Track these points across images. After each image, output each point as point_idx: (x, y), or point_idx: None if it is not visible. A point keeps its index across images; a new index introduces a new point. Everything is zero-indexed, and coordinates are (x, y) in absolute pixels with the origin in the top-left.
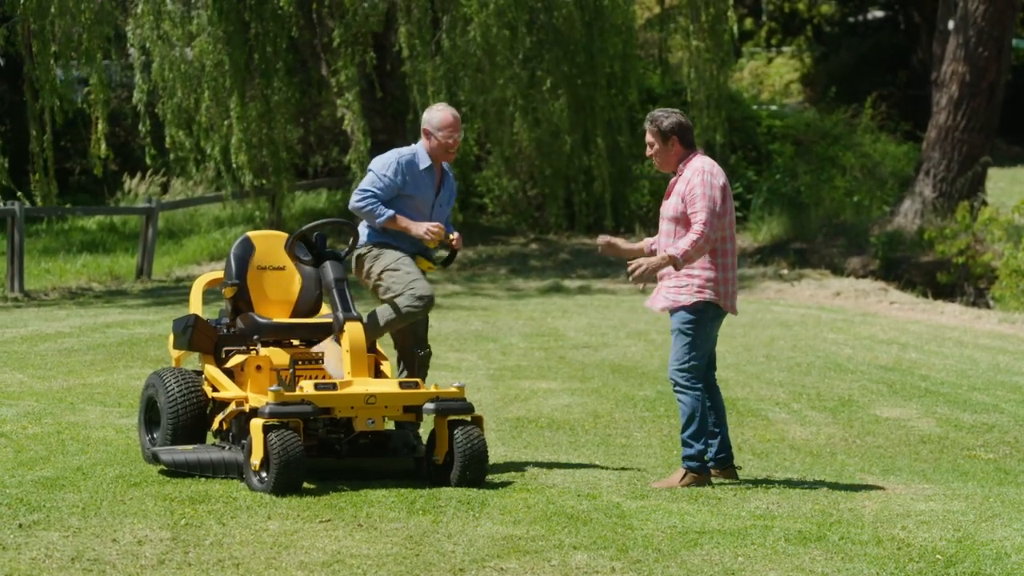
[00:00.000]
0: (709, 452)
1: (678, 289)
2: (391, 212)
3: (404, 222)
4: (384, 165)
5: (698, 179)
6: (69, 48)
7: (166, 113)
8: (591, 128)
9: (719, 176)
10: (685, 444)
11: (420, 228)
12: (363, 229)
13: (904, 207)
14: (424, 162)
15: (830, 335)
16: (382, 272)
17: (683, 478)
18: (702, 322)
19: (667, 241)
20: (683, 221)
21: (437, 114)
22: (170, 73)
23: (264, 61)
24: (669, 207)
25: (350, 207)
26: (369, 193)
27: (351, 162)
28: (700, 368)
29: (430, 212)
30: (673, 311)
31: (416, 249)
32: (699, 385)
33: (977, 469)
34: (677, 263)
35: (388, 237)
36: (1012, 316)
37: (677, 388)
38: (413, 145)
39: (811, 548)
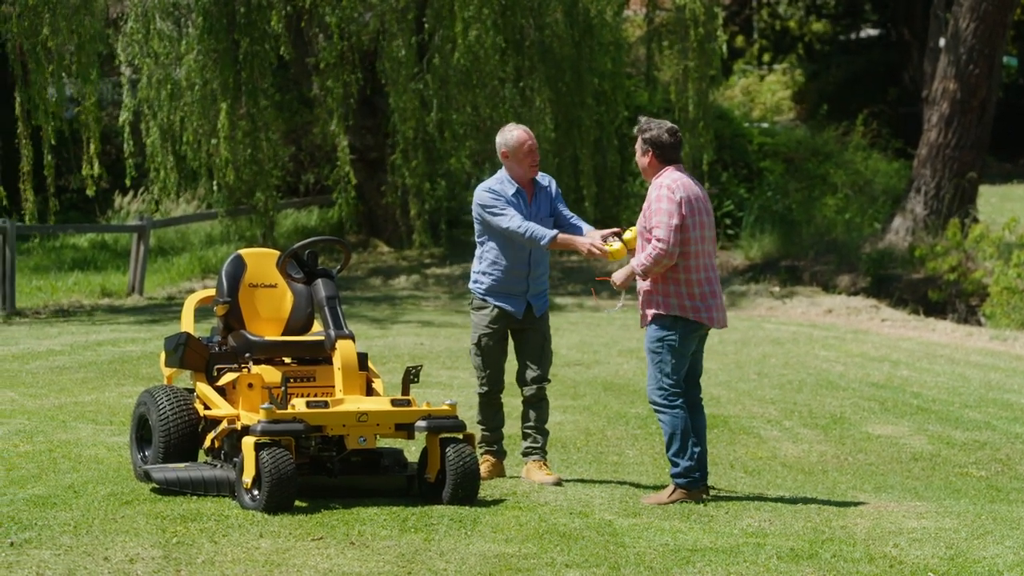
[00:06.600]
0: None
1: (644, 304)
2: (554, 232)
3: (567, 239)
4: (488, 196)
5: (655, 194)
6: (62, 67)
7: (152, 131)
8: (579, 147)
9: (679, 191)
10: (671, 462)
11: (583, 244)
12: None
13: (895, 224)
14: (511, 188)
15: (822, 352)
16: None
17: (672, 493)
18: (670, 339)
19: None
20: (647, 236)
21: (511, 135)
22: (156, 92)
23: (251, 80)
24: (639, 223)
25: (510, 233)
26: (512, 212)
27: (332, 181)
28: (677, 385)
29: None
30: (645, 326)
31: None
32: (678, 402)
33: (969, 486)
34: (638, 274)
35: (493, 285)
36: (1003, 333)
37: (655, 408)
38: (497, 174)
39: (803, 566)
